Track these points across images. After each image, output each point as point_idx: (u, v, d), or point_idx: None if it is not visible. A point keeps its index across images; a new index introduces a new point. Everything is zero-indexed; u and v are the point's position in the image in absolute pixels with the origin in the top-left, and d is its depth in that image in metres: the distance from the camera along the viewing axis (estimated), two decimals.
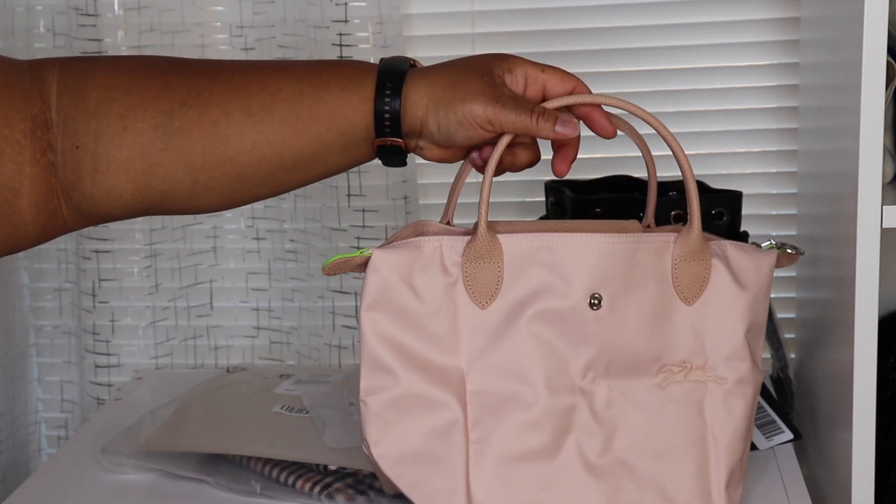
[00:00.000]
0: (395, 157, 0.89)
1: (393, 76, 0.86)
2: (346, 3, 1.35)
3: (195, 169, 0.86)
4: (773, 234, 1.43)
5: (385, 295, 0.90)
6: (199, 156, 0.85)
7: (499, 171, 0.91)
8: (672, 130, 0.92)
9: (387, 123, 0.86)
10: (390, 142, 0.87)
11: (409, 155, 0.91)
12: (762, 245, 0.96)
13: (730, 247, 0.93)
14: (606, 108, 0.91)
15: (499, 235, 0.91)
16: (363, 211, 1.41)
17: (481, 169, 0.91)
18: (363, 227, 1.41)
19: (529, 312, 0.91)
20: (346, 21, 1.35)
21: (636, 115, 0.89)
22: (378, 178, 1.40)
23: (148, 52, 1.41)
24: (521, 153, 0.91)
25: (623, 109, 0.89)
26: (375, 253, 0.90)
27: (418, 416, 0.91)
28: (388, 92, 0.86)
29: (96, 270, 1.48)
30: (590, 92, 0.90)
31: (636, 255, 0.91)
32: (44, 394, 1.57)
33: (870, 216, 0.97)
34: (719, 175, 1.41)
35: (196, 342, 1.52)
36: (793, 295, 1.42)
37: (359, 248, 1.40)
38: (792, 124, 1.39)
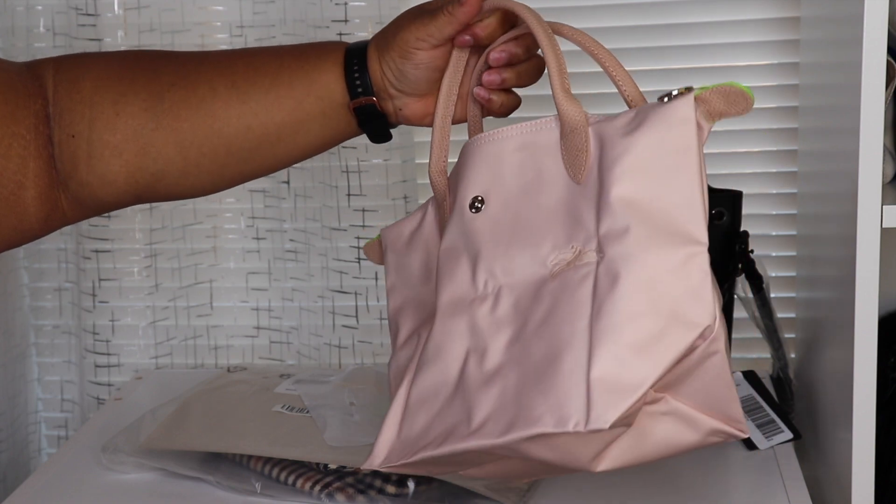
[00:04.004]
0: (375, 122, 0.91)
1: (359, 46, 0.90)
2: (346, 3, 1.35)
3: (185, 146, 0.89)
4: (773, 233, 1.43)
5: (397, 272, 0.93)
6: (188, 132, 0.89)
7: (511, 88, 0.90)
8: None
9: (357, 83, 0.89)
10: (364, 100, 0.89)
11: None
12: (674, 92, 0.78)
13: (625, 114, 0.81)
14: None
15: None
16: (363, 211, 1.41)
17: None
18: (363, 226, 1.41)
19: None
20: (346, 21, 1.35)
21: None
22: (378, 178, 1.40)
23: None
24: (516, 75, 0.89)
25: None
26: (382, 232, 0.94)
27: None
28: (356, 59, 0.89)
29: (96, 270, 1.48)
30: None
31: (524, 147, 0.84)
32: (44, 394, 1.57)
33: (870, 216, 0.97)
34: (719, 175, 1.41)
35: (196, 342, 1.52)
36: (793, 295, 1.42)
37: (360, 250, 1.42)
38: (792, 124, 1.39)
